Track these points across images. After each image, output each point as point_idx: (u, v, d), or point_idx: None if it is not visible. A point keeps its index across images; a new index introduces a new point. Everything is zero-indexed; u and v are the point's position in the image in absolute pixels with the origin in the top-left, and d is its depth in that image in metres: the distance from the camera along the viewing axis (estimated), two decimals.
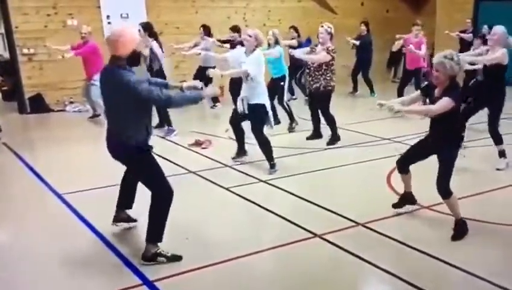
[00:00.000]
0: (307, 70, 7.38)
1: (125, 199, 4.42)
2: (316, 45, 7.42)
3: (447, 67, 4.02)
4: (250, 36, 5.92)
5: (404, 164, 4.62)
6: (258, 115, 6.03)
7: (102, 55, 8.24)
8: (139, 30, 7.68)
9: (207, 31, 9.88)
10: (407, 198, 4.80)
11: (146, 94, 3.65)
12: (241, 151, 6.57)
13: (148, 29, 7.70)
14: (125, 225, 4.50)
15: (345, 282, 3.70)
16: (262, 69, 6.02)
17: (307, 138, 7.62)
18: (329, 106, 7.35)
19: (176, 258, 3.92)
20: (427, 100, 4.41)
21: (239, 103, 6.15)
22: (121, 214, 4.47)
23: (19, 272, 3.89)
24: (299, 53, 7.49)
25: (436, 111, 4.09)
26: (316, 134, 7.65)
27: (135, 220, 4.51)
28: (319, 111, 7.46)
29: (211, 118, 9.75)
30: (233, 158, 6.53)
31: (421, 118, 8.22)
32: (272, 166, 6.06)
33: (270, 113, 6.13)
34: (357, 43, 11.35)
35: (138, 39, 3.80)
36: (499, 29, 5.82)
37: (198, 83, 4.39)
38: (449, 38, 11.19)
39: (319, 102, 7.35)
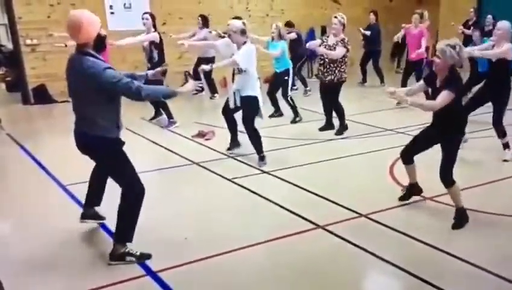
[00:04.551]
0: (320, 62, 7.30)
1: (94, 196, 4.29)
2: (327, 36, 7.33)
3: (447, 54, 4.02)
4: (234, 32, 5.78)
5: (408, 155, 4.62)
6: (249, 107, 6.01)
7: (106, 46, 8.22)
8: (147, 19, 7.69)
9: (205, 21, 9.84)
10: (413, 189, 4.80)
11: (113, 82, 3.44)
12: (235, 143, 6.57)
13: (153, 19, 7.80)
14: (92, 222, 4.37)
15: (347, 273, 3.71)
16: (254, 61, 5.95)
17: (320, 129, 7.65)
18: (339, 96, 7.41)
19: (145, 256, 3.79)
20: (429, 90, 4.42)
21: (231, 96, 6.14)
22: (89, 211, 4.31)
23: (22, 260, 3.90)
24: (317, 47, 7.16)
25: (438, 106, 4.10)
26: (329, 125, 7.67)
27: (103, 218, 4.36)
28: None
29: (211, 109, 9.71)
30: (228, 149, 6.55)
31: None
32: (261, 158, 6.06)
33: (262, 105, 6.11)
34: (368, 33, 11.28)
35: (98, 22, 3.60)
36: (504, 24, 5.82)
37: (161, 68, 4.45)
38: (453, 28, 11.11)
39: (331, 93, 7.38)
